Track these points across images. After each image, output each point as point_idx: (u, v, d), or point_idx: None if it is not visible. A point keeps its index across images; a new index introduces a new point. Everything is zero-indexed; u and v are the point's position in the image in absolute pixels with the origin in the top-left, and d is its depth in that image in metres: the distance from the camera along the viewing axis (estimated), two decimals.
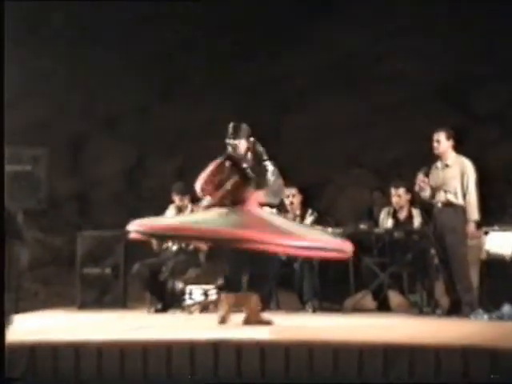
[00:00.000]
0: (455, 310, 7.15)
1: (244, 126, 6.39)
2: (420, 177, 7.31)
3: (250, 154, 6.36)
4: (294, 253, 6.51)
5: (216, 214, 6.11)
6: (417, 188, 7.34)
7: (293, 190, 8.22)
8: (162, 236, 6.58)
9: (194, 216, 6.94)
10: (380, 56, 10.43)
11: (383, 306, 7.82)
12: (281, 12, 10.34)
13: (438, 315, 7.21)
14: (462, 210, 7.17)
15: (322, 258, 6.82)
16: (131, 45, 10.65)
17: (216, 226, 5.89)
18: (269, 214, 6.40)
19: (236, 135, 6.32)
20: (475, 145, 9.55)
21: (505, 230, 7.36)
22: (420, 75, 10.23)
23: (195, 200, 7.83)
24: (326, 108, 10.52)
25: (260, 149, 6.36)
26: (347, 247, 6.26)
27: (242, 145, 6.34)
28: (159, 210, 8.20)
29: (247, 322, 6.26)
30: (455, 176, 7.21)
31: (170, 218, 7.40)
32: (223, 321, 6.27)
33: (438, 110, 9.94)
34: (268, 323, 6.25)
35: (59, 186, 10.26)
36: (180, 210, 8.14)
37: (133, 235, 6.15)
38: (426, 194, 7.30)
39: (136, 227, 6.05)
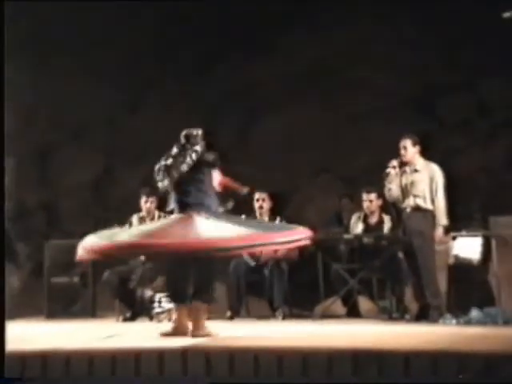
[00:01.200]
0: (424, 314, 7.19)
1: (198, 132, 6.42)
2: (393, 163, 7.36)
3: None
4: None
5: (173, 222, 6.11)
6: (388, 170, 7.35)
7: (263, 195, 8.25)
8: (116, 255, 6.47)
9: (146, 227, 6.78)
10: (348, 64, 10.46)
11: (353, 312, 7.84)
12: (248, 20, 10.34)
13: (407, 320, 7.24)
14: (430, 215, 7.24)
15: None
16: (98, 55, 10.61)
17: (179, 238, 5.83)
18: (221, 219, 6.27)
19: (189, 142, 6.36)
20: (442, 152, 9.62)
21: (472, 235, 7.42)
22: (388, 84, 10.28)
23: (161, 206, 7.85)
24: (294, 116, 10.53)
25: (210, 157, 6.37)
26: (308, 232, 6.32)
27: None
28: (126, 220, 8.18)
29: (195, 334, 6.07)
30: (424, 180, 7.30)
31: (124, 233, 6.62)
32: (176, 333, 6.10)
33: (406, 117, 9.98)
34: (208, 335, 6.09)
35: (27, 196, 10.18)
36: (143, 219, 8.13)
37: (81, 257, 6.05)
38: (394, 189, 7.34)
39: (85, 251, 5.94)
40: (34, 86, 10.49)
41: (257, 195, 8.24)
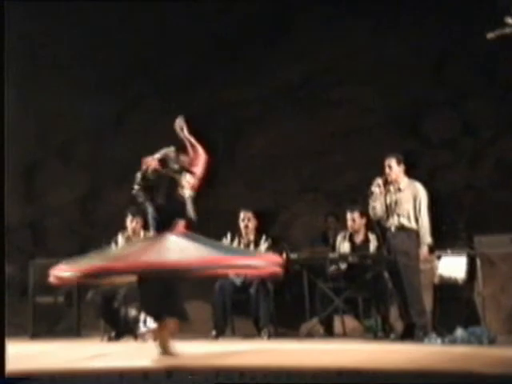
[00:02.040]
0: (409, 334, 7.19)
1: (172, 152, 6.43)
2: (378, 181, 7.37)
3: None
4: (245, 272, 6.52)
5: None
6: (372, 188, 7.37)
7: (248, 214, 8.23)
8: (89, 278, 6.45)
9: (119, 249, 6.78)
10: (334, 83, 10.51)
11: (329, 332, 7.81)
12: (234, 38, 10.39)
13: (392, 339, 7.24)
14: (414, 234, 7.26)
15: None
16: (84, 71, 10.61)
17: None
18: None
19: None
20: (428, 170, 9.66)
21: (457, 254, 7.43)
22: (374, 102, 10.32)
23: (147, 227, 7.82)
24: (280, 134, 10.56)
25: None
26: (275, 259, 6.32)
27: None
28: (112, 238, 8.15)
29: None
30: (408, 200, 7.31)
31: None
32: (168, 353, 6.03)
33: (392, 135, 10.02)
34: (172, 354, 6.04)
35: (11, 214, 10.13)
36: (129, 239, 8.11)
37: (54, 281, 6.00)
38: (378, 208, 7.36)
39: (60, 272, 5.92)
40: (20, 102, 10.47)
41: (242, 214, 8.23)
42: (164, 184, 6.31)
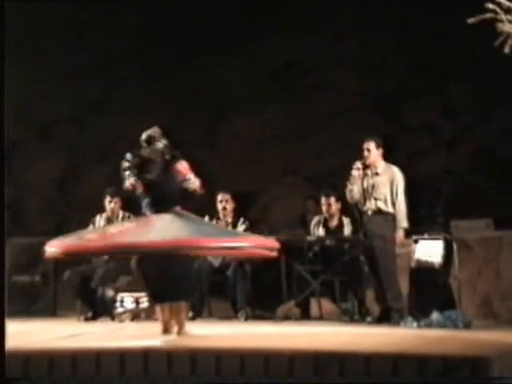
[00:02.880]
0: (385, 317, 7.22)
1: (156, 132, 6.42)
2: (357, 164, 7.38)
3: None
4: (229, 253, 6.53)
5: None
6: (352, 172, 7.38)
7: (226, 196, 8.20)
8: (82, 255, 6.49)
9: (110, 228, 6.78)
10: (315, 66, 10.52)
11: (305, 315, 7.84)
12: (217, 20, 10.36)
13: (369, 323, 7.27)
14: (391, 218, 7.27)
15: (255, 255, 6.79)
16: (66, 54, 10.55)
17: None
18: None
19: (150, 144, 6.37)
20: (406, 154, 9.70)
21: (434, 239, 7.46)
22: (354, 86, 10.34)
23: (125, 207, 7.82)
24: (261, 117, 10.56)
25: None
26: (274, 244, 6.41)
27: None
28: (90, 218, 8.13)
29: (180, 332, 6.16)
30: (385, 184, 7.32)
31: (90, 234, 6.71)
32: (167, 330, 6.14)
33: (372, 120, 10.05)
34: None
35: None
36: (110, 220, 8.09)
37: (49, 254, 6.06)
38: (355, 191, 7.37)
39: (54, 248, 5.98)
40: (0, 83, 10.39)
41: (220, 196, 8.20)
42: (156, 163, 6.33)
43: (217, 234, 6.39)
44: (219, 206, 8.16)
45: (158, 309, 6.32)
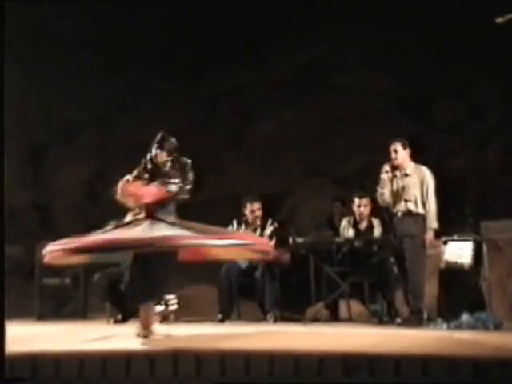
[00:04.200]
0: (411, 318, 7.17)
1: (172, 140, 6.43)
2: (386, 167, 7.35)
3: (168, 166, 6.36)
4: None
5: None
6: (381, 175, 7.34)
7: (257, 205, 8.17)
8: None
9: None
10: (341, 68, 10.50)
11: (334, 316, 7.82)
12: (241, 23, 10.37)
13: (398, 324, 7.24)
14: (421, 219, 7.23)
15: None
16: (91, 55, 10.62)
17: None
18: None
19: (160, 146, 6.37)
20: (435, 155, 9.65)
21: (464, 240, 7.42)
22: (380, 87, 10.31)
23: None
24: (287, 119, 10.56)
25: (184, 160, 6.39)
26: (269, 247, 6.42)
27: (161, 156, 6.36)
28: (118, 221, 8.15)
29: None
30: (414, 184, 7.28)
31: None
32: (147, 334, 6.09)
33: (398, 121, 10.02)
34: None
35: (18, 197, 10.16)
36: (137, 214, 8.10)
37: (48, 259, 6.12)
38: (386, 194, 7.33)
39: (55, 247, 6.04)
40: (28, 86, 10.49)
41: (249, 206, 8.17)
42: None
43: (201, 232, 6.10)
44: (249, 216, 8.14)
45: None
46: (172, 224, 6.06)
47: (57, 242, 6.17)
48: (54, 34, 10.51)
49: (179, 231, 5.92)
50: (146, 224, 6.08)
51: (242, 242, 6.08)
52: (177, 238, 5.87)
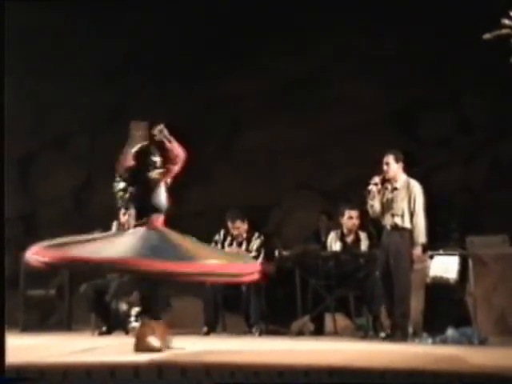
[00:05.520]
0: (394, 333, 7.15)
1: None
2: (375, 179, 7.31)
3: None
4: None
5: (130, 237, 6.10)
6: (370, 187, 7.30)
7: (238, 223, 8.13)
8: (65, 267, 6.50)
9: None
10: (330, 80, 10.51)
11: (319, 331, 7.80)
12: (230, 33, 10.38)
13: (382, 338, 7.23)
14: (408, 234, 7.18)
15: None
16: (80, 63, 10.59)
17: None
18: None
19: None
20: (423, 169, 9.65)
21: (449, 255, 7.42)
22: (369, 100, 10.32)
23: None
24: (275, 130, 10.55)
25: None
26: (254, 269, 6.32)
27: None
28: (107, 230, 8.12)
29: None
30: (403, 199, 7.22)
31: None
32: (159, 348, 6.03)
33: (387, 134, 10.03)
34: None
35: (5, 203, 10.09)
36: (123, 226, 8.08)
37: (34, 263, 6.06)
38: (376, 206, 7.30)
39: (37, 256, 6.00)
40: (16, 93, 10.44)
41: (229, 223, 8.14)
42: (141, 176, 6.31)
43: (170, 257, 5.90)
44: (233, 230, 8.11)
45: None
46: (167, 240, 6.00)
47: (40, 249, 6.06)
48: (43, 39, 10.49)
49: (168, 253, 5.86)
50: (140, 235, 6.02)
51: (228, 273, 6.04)
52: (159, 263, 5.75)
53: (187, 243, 6.09)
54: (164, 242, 6.00)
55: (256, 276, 6.26)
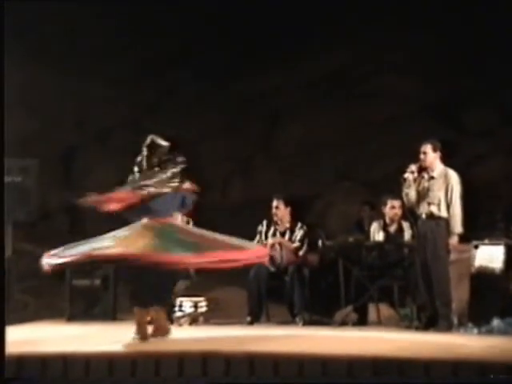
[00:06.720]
0: (432, 323, 7.09)
1: (161, 143, 6.47)
2: (411, 167, 7.25)
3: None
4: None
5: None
6: (405, 175, 7.25)
7: (277, 202, 8.11)
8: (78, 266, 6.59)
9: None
10: (370, 72, 10.49)
11: (362, 321, 7.78)
12: (270, 27, 10.39)
13: (423, 327, 7.17)
14: (444, 223, 7.06)
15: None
16: (121, 58, 10.69)
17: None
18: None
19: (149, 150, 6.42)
20: (465, 160, 9.59)
21: (495, 244, 7.35)
22: (409, 91, 10.28)
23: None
24: (315, 123, 10.56)
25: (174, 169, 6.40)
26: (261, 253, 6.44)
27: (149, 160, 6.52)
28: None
29: (155, 335, 6.23)
30: (440, 188, 7.13)
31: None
32: (144, 337, 6.15)
33: (428, 125, 9.98)
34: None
35: (50, 198, 10.23)
36: None
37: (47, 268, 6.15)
38: (411, 194, 7.24)
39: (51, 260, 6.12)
40: (59, 88, 10.57)
41: (274, 202, 8.13)
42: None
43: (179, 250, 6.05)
44: (274, 215, 8.13)
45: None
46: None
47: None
48: (85, 36, 10.60)
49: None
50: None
51: (226, 259, 6.01)
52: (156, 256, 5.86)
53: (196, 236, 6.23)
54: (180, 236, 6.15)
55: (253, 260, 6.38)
